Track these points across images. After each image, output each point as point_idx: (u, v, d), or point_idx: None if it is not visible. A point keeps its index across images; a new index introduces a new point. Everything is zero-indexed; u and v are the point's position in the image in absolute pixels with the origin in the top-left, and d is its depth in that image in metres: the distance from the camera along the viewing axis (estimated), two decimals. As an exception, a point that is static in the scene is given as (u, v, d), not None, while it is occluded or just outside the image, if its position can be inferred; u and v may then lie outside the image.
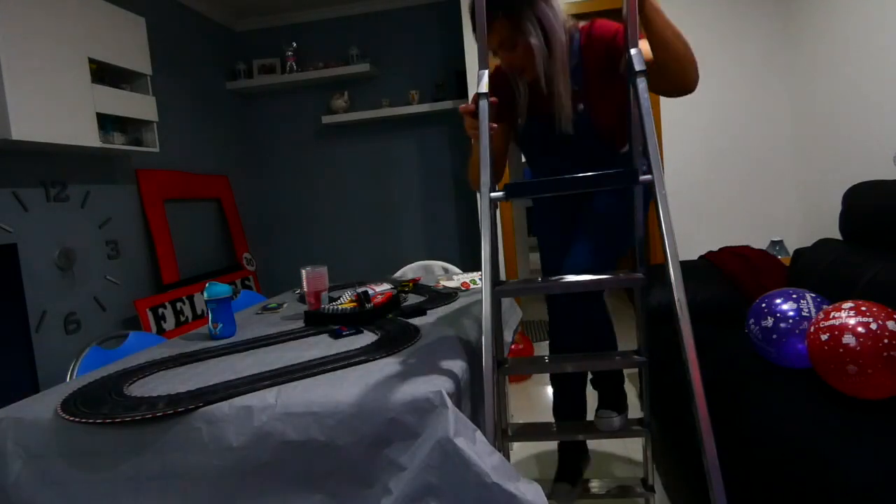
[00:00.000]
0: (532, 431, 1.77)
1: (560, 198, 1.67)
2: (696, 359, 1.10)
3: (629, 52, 1.29)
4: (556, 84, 1.44)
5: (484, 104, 1.35)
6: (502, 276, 2.16)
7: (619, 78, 1.41)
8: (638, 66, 1.26)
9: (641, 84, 1.25)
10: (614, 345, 1.69)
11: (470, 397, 1.28)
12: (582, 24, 1.51)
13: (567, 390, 1.73)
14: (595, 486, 1.74)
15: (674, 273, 1.15)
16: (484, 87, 1.35)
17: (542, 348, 3.81)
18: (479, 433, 1.06)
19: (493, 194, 1.30)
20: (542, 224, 1.77)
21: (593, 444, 2.19)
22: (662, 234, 1.19)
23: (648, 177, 1.24)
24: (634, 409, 1.73)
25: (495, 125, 1.40)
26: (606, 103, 1.49)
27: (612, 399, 1.63)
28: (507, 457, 1.57)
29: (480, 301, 1.91)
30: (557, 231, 1.70)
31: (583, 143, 1.54)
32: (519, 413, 2.79)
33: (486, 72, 1.36)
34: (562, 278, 1.38)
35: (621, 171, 1.37)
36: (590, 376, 1.77)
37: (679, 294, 1.15)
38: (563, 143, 1.54)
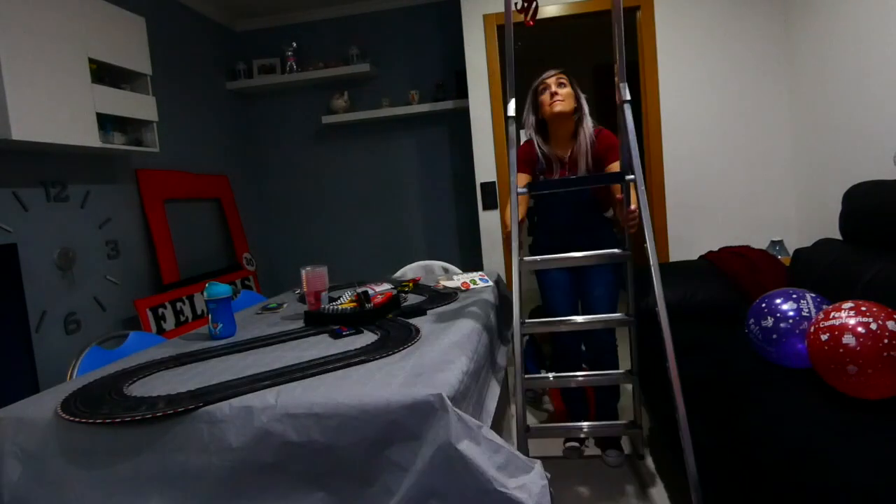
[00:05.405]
0: (550, 430, 2.16)
1: (566, 269, 2.23)
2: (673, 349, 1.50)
3: (618, 84, 1.65)
4: (580, 160, 2.08)
5: (512, 129, 1.76)
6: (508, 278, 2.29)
7: (605, 167, 2.07)
8: (625, 97, 1.64)
9: (627, 111, 1.64)
10: (616, 364, 2.24)
11: (474, 390, 1.28)
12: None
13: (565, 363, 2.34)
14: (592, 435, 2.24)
15: (655, 273, 1.54)
16: (511, 112, 1.78)
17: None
18: (484, 429, 1.05)
19: (520, 189, 1.82)
20: (551, 282, 2.25)
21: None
22: (643, 225, 1.56)
23: (631, 176, 1.66)
24: (625, 362, 2.20)
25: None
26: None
27: (613, 442, 2.23)
28: (527, 452, 1.65)
29: (481, 300, 1.92)
30: (562, 286, 2.24)
31: (581, 200, 2.16)
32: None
33: (514, 99, 1.77)
34: (570, 319, 1.97)
35: (614, 173, 1.91)
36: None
37: (658, 291, 1.53)
38: (568, 199, 2.15)
